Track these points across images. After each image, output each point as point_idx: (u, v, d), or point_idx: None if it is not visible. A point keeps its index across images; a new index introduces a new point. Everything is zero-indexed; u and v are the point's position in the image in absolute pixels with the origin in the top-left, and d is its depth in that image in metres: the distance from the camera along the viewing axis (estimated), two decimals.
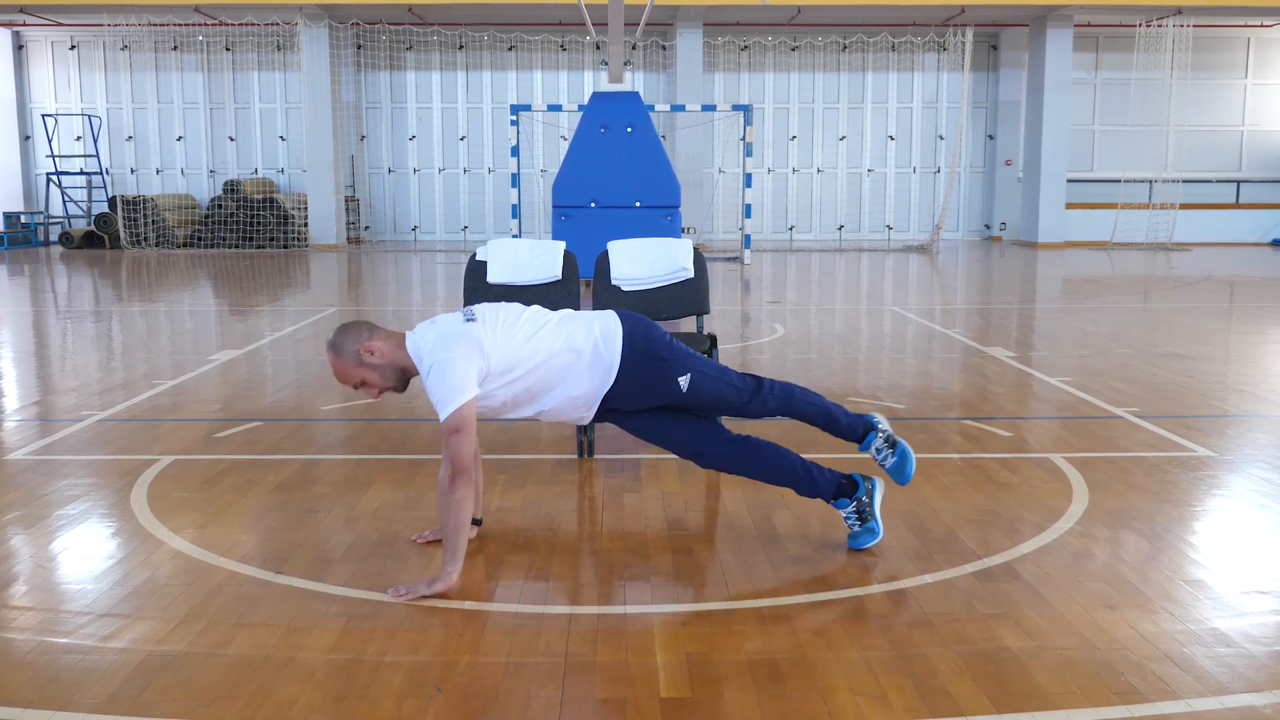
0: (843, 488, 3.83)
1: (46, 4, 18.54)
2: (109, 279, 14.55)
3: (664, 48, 20.72)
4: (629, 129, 12.87)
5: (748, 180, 16.89)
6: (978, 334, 9.24)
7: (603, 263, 5.50)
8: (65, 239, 19.56)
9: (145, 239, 19.09)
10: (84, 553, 3.80)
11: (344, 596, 3.38)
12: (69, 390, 6.79)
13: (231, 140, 21.34)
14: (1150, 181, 20.14)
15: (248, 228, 19.35)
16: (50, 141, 20.35)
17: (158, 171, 21.27)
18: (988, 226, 22.28)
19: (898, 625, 3.16)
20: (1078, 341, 8.73)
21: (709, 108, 17.76)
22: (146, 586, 3.46)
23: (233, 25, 20.06)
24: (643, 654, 2.98)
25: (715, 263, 16.33)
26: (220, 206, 19.45)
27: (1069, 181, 20.25)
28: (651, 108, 15.13)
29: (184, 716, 2.63)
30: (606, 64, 13.47)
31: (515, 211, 16.21)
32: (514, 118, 16.20)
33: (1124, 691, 2.75)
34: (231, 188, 19.81)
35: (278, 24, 20.16)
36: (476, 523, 3.92)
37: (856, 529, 3.79)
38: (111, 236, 19.20)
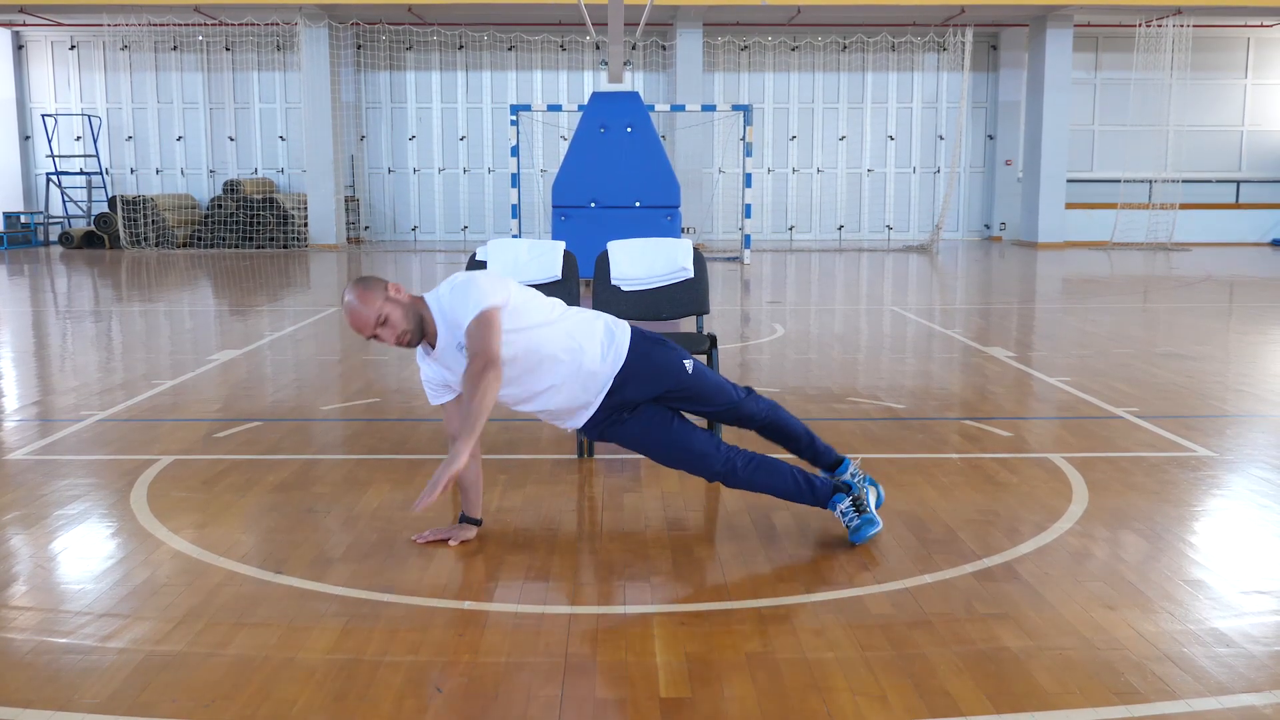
0: (836, 487, 3.93)
1: (46, 4, 18.54)
2: (109, 279, 14.55)
3: (664, 48, 20.73)
4: (629, 129, 12.87)
5: (747, 180, 16.89)
6: (977, 334, 9.24)
7: (602, 263, 5.50)
8: (65, 239, 19.56)
9: (145, 239, 19.09)
10: (84, 553, 3.80)
11: (344, 596, 3.38)
12: (69, 390, 6.79)
13: (231, 140, 21.35)
14: (1150, 181, 20.14)
15: (247, 228, 19.35)
16: (50, 141, 20.35)
17: (157, 171, 21.27)
18: (987, 226, 22.28)
19: (897, 625, 3.16)
20: (1077, 341, 8.73)
21: (709, 108, 17.76)
22: (146, 586, 3.46)
23: (232, 25, 20.06)
24: (642, 654, 2.98)
25: (715, 263, 16.33)
26: (220, 206, 19.45)
27: (1069, 181, 20.25)
28: (651, 108, 15.13)
29: (184, 716, 2.63)
30: (606, 64, 13.47)
31: (515, 211, 16.22)
32: (514, 118, 16.20)
33: (1123, 691, 2.75)
34: (231, 188, 19.81)
35: (277, 24, 20.16)
36: (476, 522, 3.92)
37: (855, 522, 3.80)
38: (111, 236, 19.20)
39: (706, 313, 5.55)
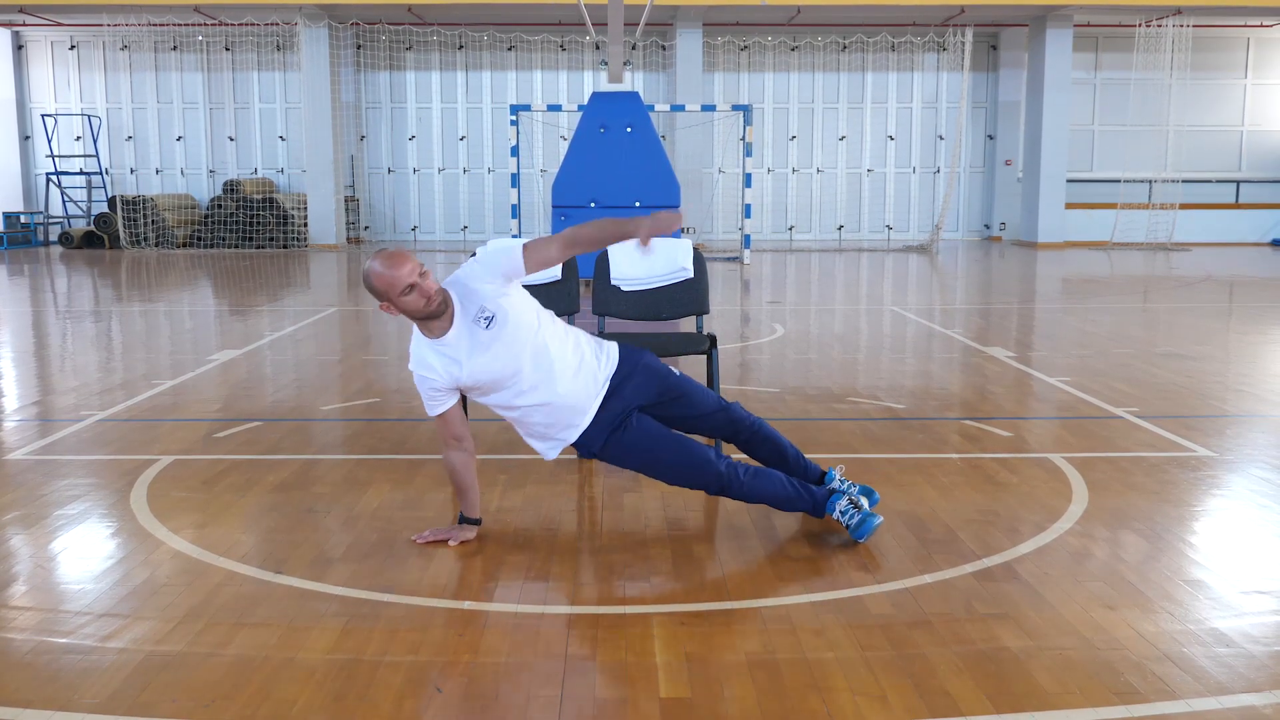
0: (831, 491, 3.99)
1: (46, 4, 18.54)
2: (109, 279, 14.55)
3: (664, 48, 20.72)
4: (629, 129, 12.87)
5: (747, 180, 16.89)
6: (977, 334, 9.24)
7: (602, 263, 5.50)
8: (65, 239, 19.55)
9: (145, 239, 19.09)
10: (83, 553, 3.80)
11: (344, 596, 3.38)
12: (69, 390, 6.79)
13: (231, 140, 21.34)
14: (1150, 181, 20.13)
15: (247, 228, 19.34)
16: (50, 141, 20.35)
17: (157, 171, 21.27)
18: (987, 226, 22.28)
19: (897, 625, 3.16)
20: (1077, 341, 8.73)
21: (709, 108, 17.76)
22: (146, 586, 3.46)
23: (232, 25, 20.06)
24: (642, 654, 2.98)
25: (715, 263, 16.33)
26: (220, 206, 19.45)
27: (1069, 181, 20.25)
28: (651, 108, 15.13)
29: (183, 716, 2.63)
30: (606, 64, 13.47)
31: (515, 211, 16.21)
32: (514, 118, 16.20)
33: (1123, 691, 2.75)
34: (231, 188, 19.81)
35: (277, 24, 20.16)
36: (475, 522, 3.92)
37: (856, 519, 3.81)
38: (111, 236, 19.20)
39: (706, 313, 5.54)
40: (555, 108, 17.78)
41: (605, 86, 13.18)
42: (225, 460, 5.01)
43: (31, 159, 21.35)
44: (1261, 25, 20.84)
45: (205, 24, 20.04)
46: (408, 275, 3.53)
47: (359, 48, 20.85)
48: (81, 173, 20.69)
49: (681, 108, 17.30)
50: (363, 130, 21.41)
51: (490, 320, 3.67)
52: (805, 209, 21.84)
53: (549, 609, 3.31)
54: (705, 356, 5.20)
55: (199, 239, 19.44)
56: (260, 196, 19.60)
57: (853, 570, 3.60)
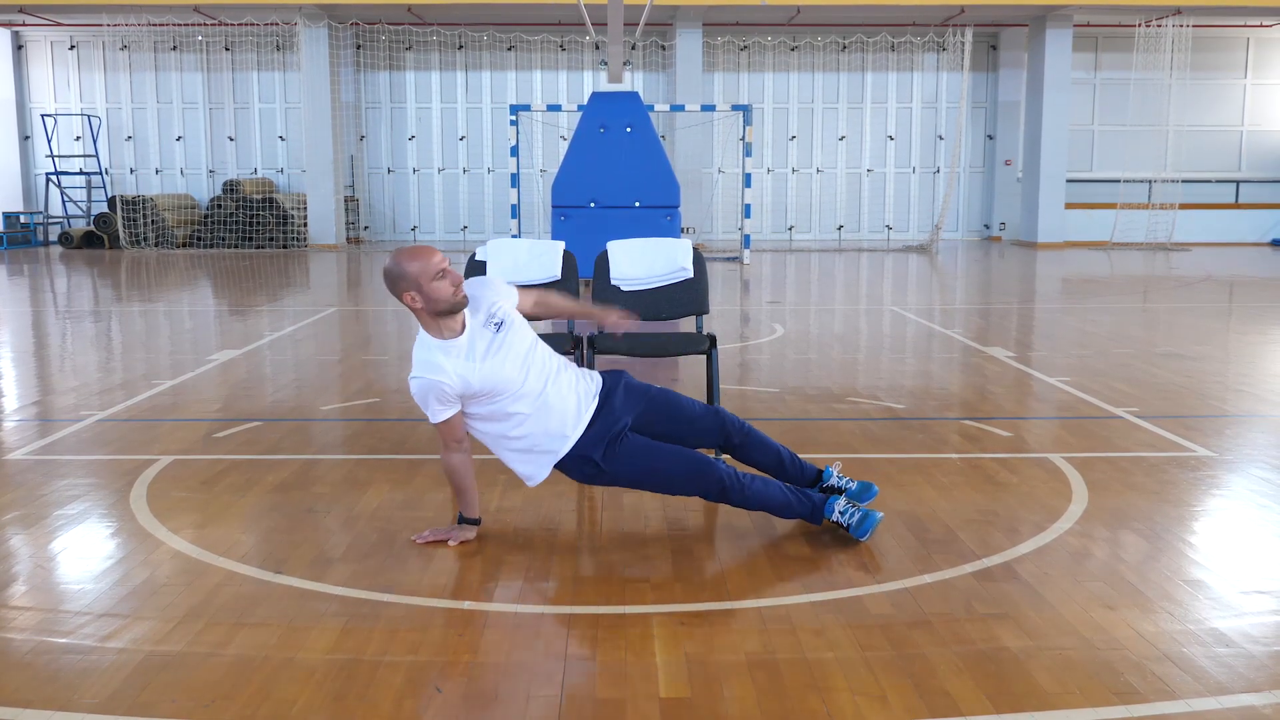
0: (826, 490, 4.05)
1: (46, 4, 18.54)
2: (108, 279, 14.55)
3: (663, 48, 20.72)
4: (628, 129, 12.87)
5: (747, 180, 16.89)
6: (977, 334, 9.24)
7: (602, 263, 5.50)
8: (65, 239, 19.55)
9: (144, 239, 19.09)
10: (83, 553, 3.80)
11: (343, 596, 3.38)
12: (68, 390, 6.79)
13: (231, 140, 21.34)
14: (1150, 181, 20.13)
15: (247, 228, 19.34)
16: (50, 141, 20.34)
17: (157, 171, 21.26)
18: (987, 226, 22.28)
19: (897, 625, 3.16)
20: (1077, 341, 8.73)
21: (708, 108, 17.76)
22: (146, 586, 3.46)
23: (232, 25, 20.06)
24: (642, 654, 2.98)
25: (715, 263, 16.33)
26: (219, 206, 19.45)
27: (1068, 181, 20.25)
28: (651, 108, 15.13)
29: (183, 716, 2.63)
30: (606, 64, 13.46)
31: (515, 211, 16.21)
32: (513, 118, 16.20)
33: (1123, 691, 2.75)
34: (231, 188, 19.81)
35: (277, 24, 20.16)
36: (475, 522, 3.92)
37: (856, 517, 3.82)
38: (111, 236, 19.20)
39: (706, 313, 5.54)
40: (555, 108, 17.78)
41: (605, 86, 13.18)
42: (225, 460, 5.01)
43: (31, 159, 21.34)
44: (1261, 25, 20.84)
45: (205, 24, 20.04)
46: (439, 261, 3.67)
47: (359, 48, 20.84)
48: (81, 173, 20.69)
49: (681, 108, 17.30)
50: (362, 130, 21.41)
51: (500, 325, 3.78)
52: (805, 209, 21.84)
53: (549, 609, 3.31)
54: (705, 356, 5.21)
55: (199, 239, 19.44)
56: (260, 196, 19.60)
57: (852, 570, 3.60)
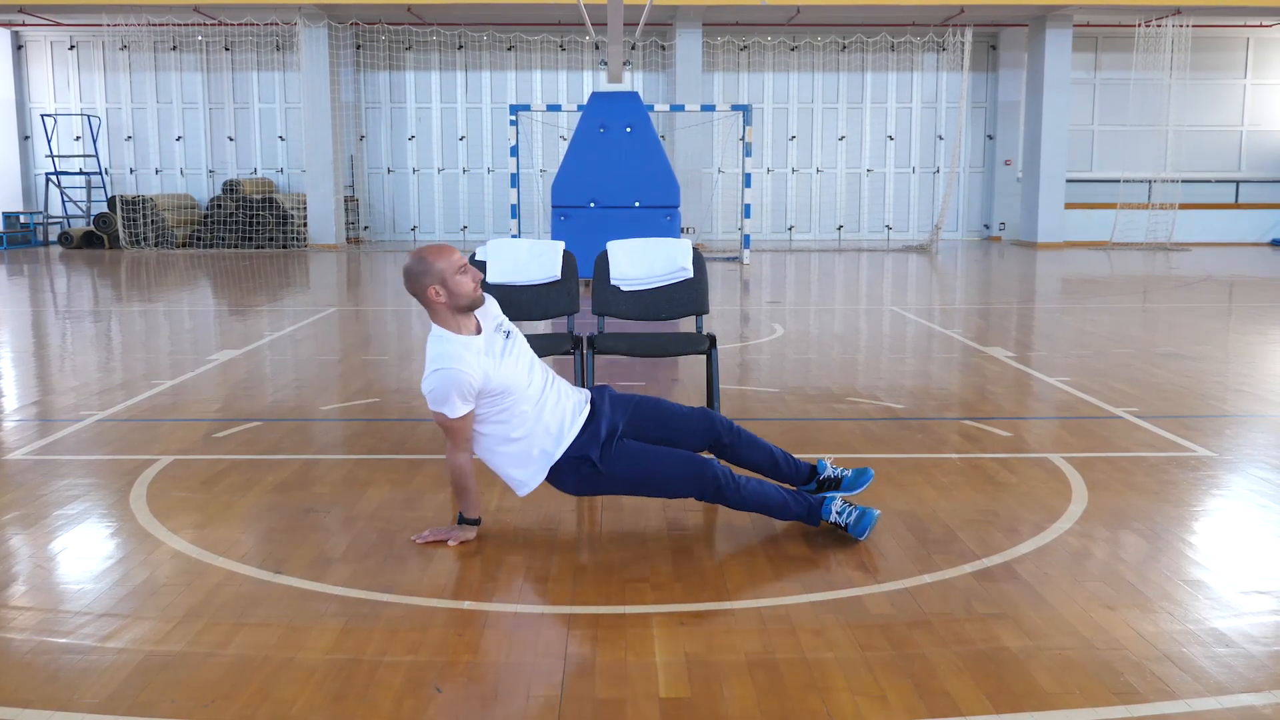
0: (822, 484, 4.08)
1: (46, 4, 18.54)
2: (108, 279, 14.55)
3: (663, 48, 20.72)
4: (628, 129, 12.87)
5: (747, 180, 16.88)
6: (977, 334, 9.24)
7: (602, 263, 5.50)
8: (64, 239, 19.55)
9: (144, 239, 19.08)
10: (83, 553, 3.80)
11: (343, 596, 3.38)
12: (68, 390, 6.79)
13: (231, 140, 21.34)
14: (1149, 181, 20.13)
15: (247, 228, 19.34)
16: (49, 141, 20.34)
17: (157, 171, 21.26)
18: (987, 226, 22.28)
19: (897, 625, 3.16)
20: (1077, 341, 8.73)
21: (708, 108, 17.76)
22: (145, 586, 3.46)
23: (232, 25, 20.06)
24: (642, 654, 2.98)
25: (714, 263, 16.33)
26: (219, 206, 19.45)
27: (1068, 181, 20.25)
28: (651, 108, 15.13)
29: (183, 716, 2.63)
30: (606, 64, 13.46)
31: (514, 211, 16.21)
32: (513, 118, 16.19)
33: (1123, 691, 2.75)
34: (231, 188, 19.81)
35: (277, 24, 20.16)
36: (475, 522, 3.92)
37: (853, 516, 3.83)
38: (111, 236, 19.20)
39: (706, 313, 5.55)
40: (555, 108, 17.77)
41: (605, 86, 13.18)
42: (225, 460, 5.01)
43: (31, 159, 21.34)
44: (1261, 25, 20.84)
45: (205, 24, 20.04)
46: (461, 258, 3.80)
47: (358, 48, 20.84)
48: (81, 173, 20.69)
49: (681, 108, 17.30)
50: (362, 130, 21.41)
51: (509, 334, 3.92)
52: (805, 209, 21.84)
53: (549, 609, 3.31)
54: (705, 356, 5.21)
55: (198, 239, 19.44)
56: (260, 196, 19.59)
57: (852, 570, 3.60)
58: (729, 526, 4.07)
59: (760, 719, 2.63)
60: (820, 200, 21.77)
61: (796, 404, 6.35)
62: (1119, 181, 20.20)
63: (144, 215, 19.04)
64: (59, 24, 20.42)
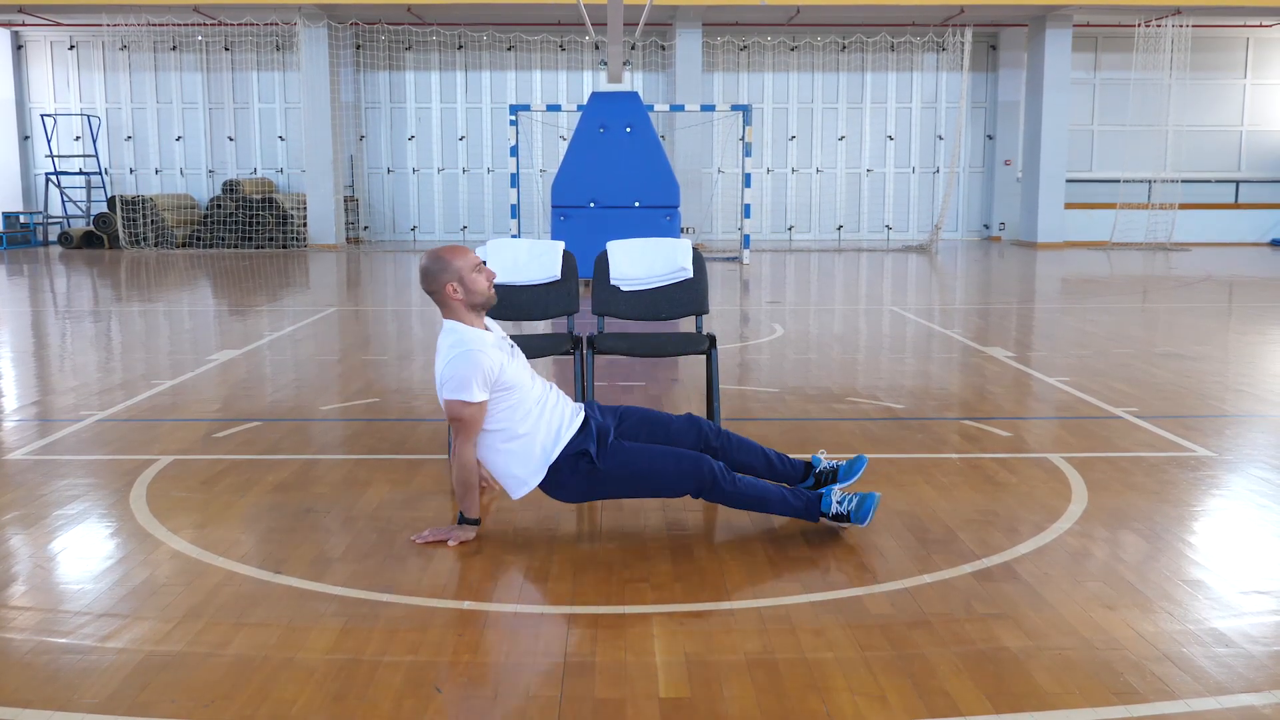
0: (820, 480, 4.11)
1: (46, 4, 18.54)
2: (108, 279, 14.55)
3: (663, 48, 20.72)
4: (628, 129, 12.87)
5: (747, 180, 16.89)
6: (977, 334, 9.24)
7: (602, 263, 5.50)
8: (64, 239, 19.55)
9: (144, 239, 19.09)
10: (83, 553, 3.80)
11: (343, 596, 3.38)
12: (68, 390, 6.79)
13: (230, 140, 21.34)
14: (1149, 181, 20.14)
15: (247, 228, 19.34)
16: (49, 141, 20.34)
17: (157, 171, 21.26)
18: (987, 226, 22.28)
19: (897, 625, 3.16)
20: (1077, 341, 8.73)
21: (708, 108, 17.76)
22: (145, 586, 3.46)
23: (231, 25, 20.06)
24: (642, 654, 2.98)
25: (714, 263, 16.33)
26: (219, 206, 19.45)
27: (1068, 181, 20.25)
28: (650, 108, 15.13)
29: (183, 716, 2.63)
30: (606, 64, 13.47)
31: (514, 211, 16.21)
32: (513, 118, 16.19)
33: (1123, 691, 2.75)
34: (230, 188, 19.81)
35: (276, 24, 20.16)
36: (475, 522, 3.92)
37: (853, 504, 3.84)
38: (110, 236, 19.20)
39: (706, 313, 5.55)
40: (555, 108, 17.77)
41: (605, 86, 13.18)
42: (225, 460, 5.01)
43: (31, 159, 21.34)
44: (1261, 25, 20.84)
45: (205, 24, 20.04)
46: (475, 257, 3.94)
47: (358, 48, 20.84)
48: (81, 173, 20.69)
49: (681, 108, 17.30)
50: (362, 130, 21.41)
51: (512, 346, 4.02)
52: (804, 209, 21.84)
53: (549, 609, 3.31)
54: (705, 356, 5.21)
55: (198, 239, 19.44)
56: (260, 196, 19.59)
57: (852, 570, 3.60)
58: (729, 526, 4.07)
59: (760, 719, 2.62)
60: (820, 200, 21.77)
61: (796, 404, 6.35)
62: (1119, 181, 20.20)
63: (144, 215, 19.05)
64: (59, 24, 20.42)
